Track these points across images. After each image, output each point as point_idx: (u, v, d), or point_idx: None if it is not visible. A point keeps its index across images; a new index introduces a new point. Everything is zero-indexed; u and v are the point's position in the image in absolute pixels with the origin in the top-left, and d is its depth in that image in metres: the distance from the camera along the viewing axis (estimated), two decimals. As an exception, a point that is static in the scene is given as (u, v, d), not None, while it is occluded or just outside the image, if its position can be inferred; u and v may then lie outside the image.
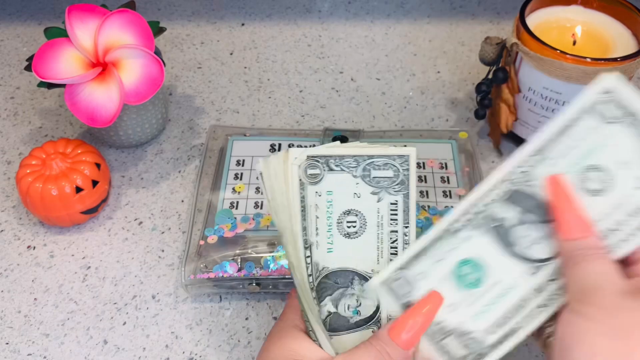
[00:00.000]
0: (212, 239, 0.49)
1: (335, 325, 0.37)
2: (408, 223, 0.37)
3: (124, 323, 0.47)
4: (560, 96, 0.53)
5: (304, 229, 0.37)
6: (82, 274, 0.50)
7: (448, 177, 0.54)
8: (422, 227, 0.49)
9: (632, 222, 0.34)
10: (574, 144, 0.34)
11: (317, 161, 0.36)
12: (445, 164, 0.55)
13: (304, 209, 0.36)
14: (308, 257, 0.37)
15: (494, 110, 0.58)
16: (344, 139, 0.56)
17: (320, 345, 0.37)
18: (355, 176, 0.37)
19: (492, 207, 0.35)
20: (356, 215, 0.37)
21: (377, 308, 0.37)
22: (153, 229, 0.54)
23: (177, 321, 0.48)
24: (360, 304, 0.37)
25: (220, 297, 0.49)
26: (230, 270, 0.47)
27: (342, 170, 0.36)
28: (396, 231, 0.37)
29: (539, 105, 0.55)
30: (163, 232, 0.53)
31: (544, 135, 0.34)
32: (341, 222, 0.37)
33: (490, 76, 0.57)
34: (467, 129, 0.60)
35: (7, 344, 0.46)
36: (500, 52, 0.56)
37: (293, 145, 0.57)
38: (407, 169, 0.36)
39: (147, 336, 0.47)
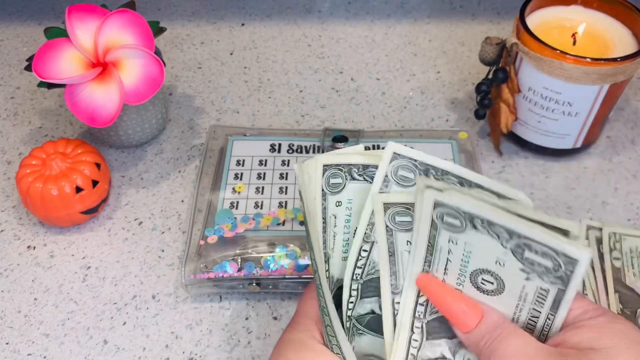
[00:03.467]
0: (212, 239, 0.49)
1: (373, 326, 0.36)
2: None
3: (124, 323, 0.47)
4: (560, 96, 0.53)
5: (371, 224, 0.35)
6: (82, 274, 0.50)
7: (448, 177, 0.54)
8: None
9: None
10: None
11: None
12: (445, 164, 0.55)
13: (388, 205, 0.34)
14: (365, 250, 0.35)
15: (494, 110, 0.58)
16: (344, 139, 0.56)
17: (343, 357, 0.34)
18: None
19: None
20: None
21: None
22: (153, 229, 0.54)
23: (177, 321, 0.48)
24: None
25: (220, 297, 0.49)
26: (230, 270, 0.47)
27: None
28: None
29: (539, 105, 0.55)
30: (163, 232, 0.53)
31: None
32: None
33: (490, 76, 0.57)
34: (467, 129, 0.60)
35: (7, 344, 0.46)
36: (500, 52, 0.56)
37: (293, 145, 0.57)
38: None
39: (147, 336, 0.47)
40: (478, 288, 0.32)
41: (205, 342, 0.46)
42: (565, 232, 0.29)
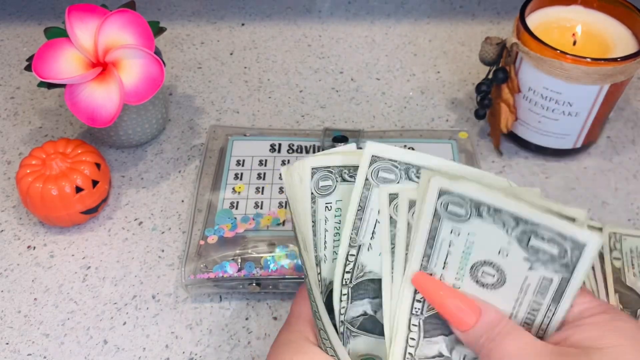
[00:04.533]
0: (212, 239, 0.49)
1: (367, 327, 0.36)
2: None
3: (124, 323, 0.47)
4: (560, 96, 0.53)
5: (356, 228, 0.34)
6: (82, 274, 0.50)
7: (448, 177, 0.54)
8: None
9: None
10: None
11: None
12: (446, 164, 0.55)
13: (361, 209, 0.34)
14: (352, 255, 0.35)
15: (494, 110, 0.58)
16: (344, 139, 0.56)
17: (337, 357, 0.34)
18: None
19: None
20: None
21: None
22: (153, 229, 0.54)
23: (177, 321, 0.48)
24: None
25: (220, 297, 0.49)
26: (230, 270, 0.47)
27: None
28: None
29: (539, 105, 0.55)
30: (163, 232, 0.53)
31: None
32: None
33: (490, 76, 0.57)
34: (467, 129, 0.60)
35: (7, 344, 0.46)
36: (500, 52, 0.56)
37: (293, 145, 0.57)
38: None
39: (147, 336, 0.47)
40: (478, 282, 0.32)
41: (205, 342, 0.46)
42: (571, 220, 0.29)
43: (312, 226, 0.35)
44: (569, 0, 0.57)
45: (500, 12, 0.77)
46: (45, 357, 0.46)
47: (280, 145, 0.57)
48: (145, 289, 0.49)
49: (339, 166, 0.35)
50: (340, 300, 0.35)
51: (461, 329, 0.32)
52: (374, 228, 0.34)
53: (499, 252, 0.31)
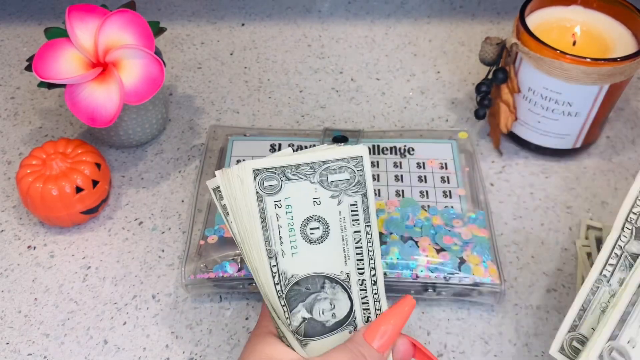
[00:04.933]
0: (212, 239, 0.49)
1: (311, 331, 0.38)
2: (369, 222, 0.38)
3: (124, 323, 0.47)
4: (560, 96, 0.53)
5: (267, 239, 0.36)
6: (82, 274, 0.50)
7: (448, 177, 0.54)
8: (422, 227, 0.49)
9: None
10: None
11: (274, 172, 0.36)
12: (445, 164, 0.55)
13: (264, 220, 0.36)
14: (274, 266, 0.37)
15: (494, 110, 0.58)
16: (344, 139, 0.57)
17: (292, 349, 0.37)
18: (313, 182, 0.37)
19: (627, 247, 0.37)
20: (318, 221, 0.37)
21: (351, 309, 0.38)
22: (153, 229, 0.54)
23: (177, 321, 0.48)
24: (334, 306, 0.38)
25: (220, 297, 0.49)
26: (231, 270, 0.47)
27: (300, 178, 0.37)
28: (359, 231, 0.38)
29: (539, 105, 0.55)
30: (163, 232, 0.53)
31: None
32: (304, 230, 0.37)
33: (490, 76, 0.57)
34: (467, 129, 0.60)
35: (7, 344, 0.46)
36: (500, 52, 0.56)
37: (293, 145, 0.57)
38: (362, 170, 0.37)
39: (147, 336, 0.47)
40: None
41: (205, 342, 0.46)
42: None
43: (262, 222, 0.36)
44: (569, 0, 0.57)
45: (500, 12, 0.77)
46: (45, 357, 0.46)
47: (280, 145, 0.57)
48: (146, 289, 0.50)
49: (281, 166, 0.36)
50: (284, 312, 0.37)
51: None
52: (279, 233, 0.37)
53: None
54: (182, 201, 0.56)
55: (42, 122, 0.63)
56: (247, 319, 0.48)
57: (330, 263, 0.38)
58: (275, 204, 0.36)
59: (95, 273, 0.51)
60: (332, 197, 0.37)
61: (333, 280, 0.38)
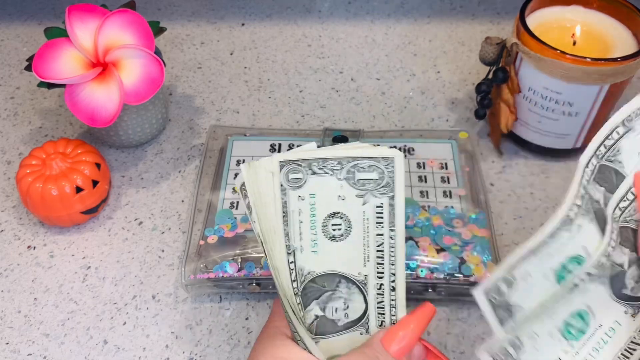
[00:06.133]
0: (212, 239, 0.49)
1: (322, 329, 0.37)
2: (394, 226, 0.36)
3: (124, 323, 0.47)
4: (560, 96, 0.53)
5: (287, 234, 0.36)
6: (82, 274, 0.50)
7: (448, 177, 0.54)
8: (422, 227, 0.49)
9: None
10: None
11: (300, 165, 0.35)
12: (445, 164, 0.55)
13: (285, 214, 0.36)
14: (292, 262, 0.36)
15: (494, 110, 0.58)
16: (344, 139, 0.56)
17: (308, 351, 0.36)
18: (339, 178, 0.36)
19: (589, 187, 0.34)
20: (341, 217, 0.36)
21: (365, 310, 0.37)
22: (153, 229, 0.54)
23: (177, 321, 0.48)
24: (348, 306, 0.37)
25: (220, 297, 0.49)
26: (230, 270, 0.47)
27: (326, 173, 0.35)
28: (382, 234, 0.36)
29: (539, 105, 0.55)
30: (163, 232, 0.53)
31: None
32: (326, 225, 0.36)
33: (490, 76, 0.57)
34: (467, 129, 0.60)
35: (7, 344, 0.46)
36: (500, 52, 0.56)
37: (293, 145, 0.57)
38: (392, 172, 0.35)
39: (147, 336, 0.47)
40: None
41: (205, 342, 0.46)
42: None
43: (284, 216, 0.36)
44: (569, 0, 0.57)
45: (500, 12, 0.77)
46: (45, 357, 0.46)
47: (280, 145, 0.57)
48: (145, 289, 0.49)
49: (307, 159, 0.36)
50: (300, 310, 0.37)
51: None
52: (300, 229, 0.36)
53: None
54: (182, 201, 0.56)
55: (42, 122, 0.63)
56: (247, 319, 0.48)
57: (349, 263, 0.37)
58: (299, 197, 0.35)
59: (95, 273, 0.51)
60: (357, 196, 0.36)
61: (349, 280, 0.37)
